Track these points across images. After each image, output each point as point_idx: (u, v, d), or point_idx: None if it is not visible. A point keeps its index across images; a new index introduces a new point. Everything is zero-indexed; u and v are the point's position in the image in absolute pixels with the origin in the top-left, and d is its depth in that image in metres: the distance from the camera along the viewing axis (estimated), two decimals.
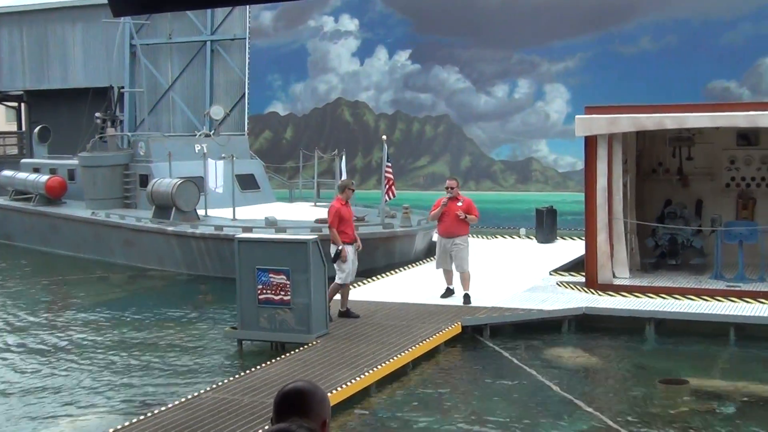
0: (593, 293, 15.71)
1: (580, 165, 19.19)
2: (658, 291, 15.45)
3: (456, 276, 15.70)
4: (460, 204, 15.35)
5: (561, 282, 16.79)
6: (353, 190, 14.93)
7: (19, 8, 38.99)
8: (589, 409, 10.86)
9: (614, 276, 15.95)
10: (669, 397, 11.32)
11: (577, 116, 16.34)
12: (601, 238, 15.82)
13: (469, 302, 15.33)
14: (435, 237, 17.41)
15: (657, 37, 26.55)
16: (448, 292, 15.88)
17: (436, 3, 29.58)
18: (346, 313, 14.58)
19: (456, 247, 15.35)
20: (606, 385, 12.40)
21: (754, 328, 13.95)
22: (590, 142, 15.95)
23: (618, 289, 15.63)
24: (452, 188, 15.48)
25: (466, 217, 15.29)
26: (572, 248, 20.60)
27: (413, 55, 29.81)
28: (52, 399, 12.06)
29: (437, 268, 15.99)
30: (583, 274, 16.42)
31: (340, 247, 14.03)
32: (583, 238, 16.73)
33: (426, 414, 11.00)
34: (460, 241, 15.43)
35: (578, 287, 16.17)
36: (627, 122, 15.82)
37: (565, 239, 22.56)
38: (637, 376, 12.64)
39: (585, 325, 14.68)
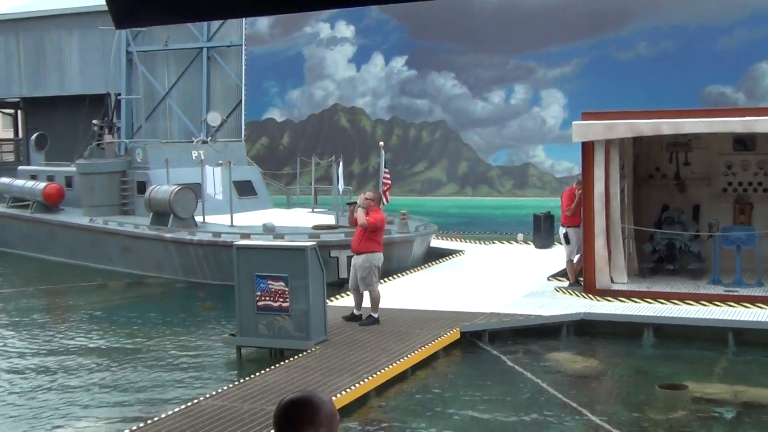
0: (591, 298, 15.73)
1: (577, 170, 19.22)
2: (656, 296, 15.48)
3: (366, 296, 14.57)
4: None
5: (559, 287, 16.82)
6: None
7: (15, 15, 38.99)
8: (589, 414, 10.88)
9: (612, 281, 15.98)
10: (668, 403, 11.34)
11: (574, 122, 16.37)
12: (599, 243, 15.85)
13: (374, 323, 14.25)
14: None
15: (653, 43, 26.61)
16: (352, 316, 14.63)
17: (431, 9, 29.60)
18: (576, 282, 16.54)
19: (359, 267, 14.23)
20: (605, 390, 12.42)
21: (752, 333, 13.98)
22: (587, 148, 15.97)
23: (616, 294, 15.65)
24: (367, 200, 14.25)
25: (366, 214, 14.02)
26: None
27: (409, 61, 29.84)
28: (51, 407, 12.05)
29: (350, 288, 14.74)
30: (581, 279, 16.44)
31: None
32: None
33: (425, 420, 11.02)
34: (362, 260, 14.22)
35: (576, 292, 16.18)
36: (624, 128, 15.86)
37: (562, 244, 22.51)
38: (636, 381, 12.67)
39: (583, 331, 14.71)
